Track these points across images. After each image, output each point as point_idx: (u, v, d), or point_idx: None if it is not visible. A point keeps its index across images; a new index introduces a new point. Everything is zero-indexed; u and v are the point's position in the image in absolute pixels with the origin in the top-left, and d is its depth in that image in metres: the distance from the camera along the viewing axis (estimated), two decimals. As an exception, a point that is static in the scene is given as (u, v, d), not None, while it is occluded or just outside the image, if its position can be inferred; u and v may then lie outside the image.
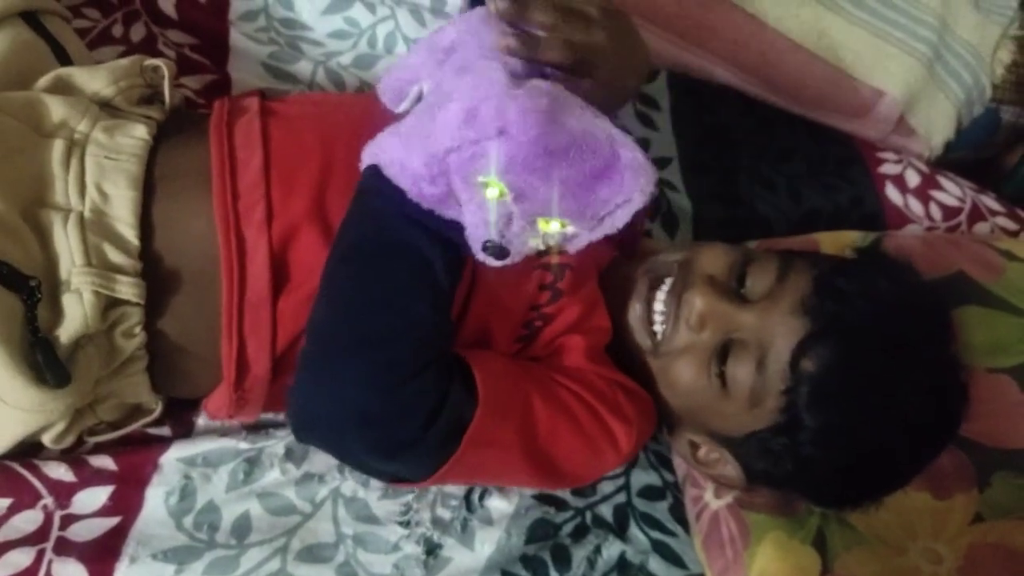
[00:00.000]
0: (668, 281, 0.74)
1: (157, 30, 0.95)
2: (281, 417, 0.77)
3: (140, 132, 0.71)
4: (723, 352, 0.70)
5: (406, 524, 0.74)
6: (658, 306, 0.73)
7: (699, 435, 0.76)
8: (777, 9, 1.10)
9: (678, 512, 0.83)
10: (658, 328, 0.74)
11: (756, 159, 1.10)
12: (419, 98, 0.69)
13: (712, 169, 1.08)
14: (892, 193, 1.11)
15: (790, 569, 0.75)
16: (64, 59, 0.80)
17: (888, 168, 1.13)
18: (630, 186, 0.60)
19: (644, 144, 1.07)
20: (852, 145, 1.15)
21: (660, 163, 1.06)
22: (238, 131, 0.73)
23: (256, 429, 0.76)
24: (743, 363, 0.68)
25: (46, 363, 0.61)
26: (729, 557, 0.77)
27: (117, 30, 0.94)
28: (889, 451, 0.70)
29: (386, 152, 0.63)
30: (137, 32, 0.94)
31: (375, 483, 0.75)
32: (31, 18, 0.78)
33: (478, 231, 0.61)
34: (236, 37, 0.98)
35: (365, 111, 0.75)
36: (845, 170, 1.11)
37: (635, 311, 0.75)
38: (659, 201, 1.02)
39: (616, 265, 0.80)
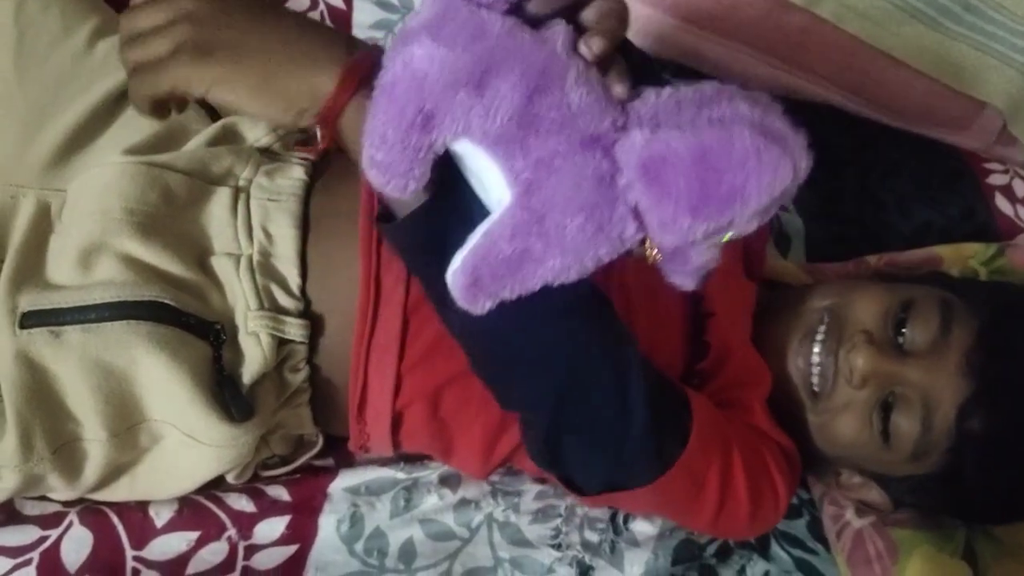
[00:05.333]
0: (821, 331, 0.73)
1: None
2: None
3: (298, 173, 0.74)
4: (885, 406, 0.70)
5: (558, 547, 0.76)
6: (814, 358, 0.73)
7: (846, 468, 0.78)
8: (877, 29, 1.12)
9: (816, 529, 0.84)
10: (815, 381, 0.73)
11: (863, 176, 1.11)
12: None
13: (819, 187, 1.09)
14: (1002, 203, 1.11)
15: (943, 582, 0.75)
16: (206, 107, 0.84)
17: (996, 179, 1.14)
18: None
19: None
20: (959, 157, 1.15)
21: (768, 184, 1.08)
22: None
23: (411, 460, 0.79)
24: (908, 420, 0.68)
25: (232, 399, 0.65)
26: (877, 573, 0.77)
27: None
28: None
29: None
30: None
31: (524, 508, 0.78)
32: None
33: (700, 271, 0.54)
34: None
35: None
36: (954, 183, 1.12)
37: (796, 367, 0.74)
38: (771, 221, 1.04)
39: (766, 308, 0.80)
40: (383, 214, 0.57)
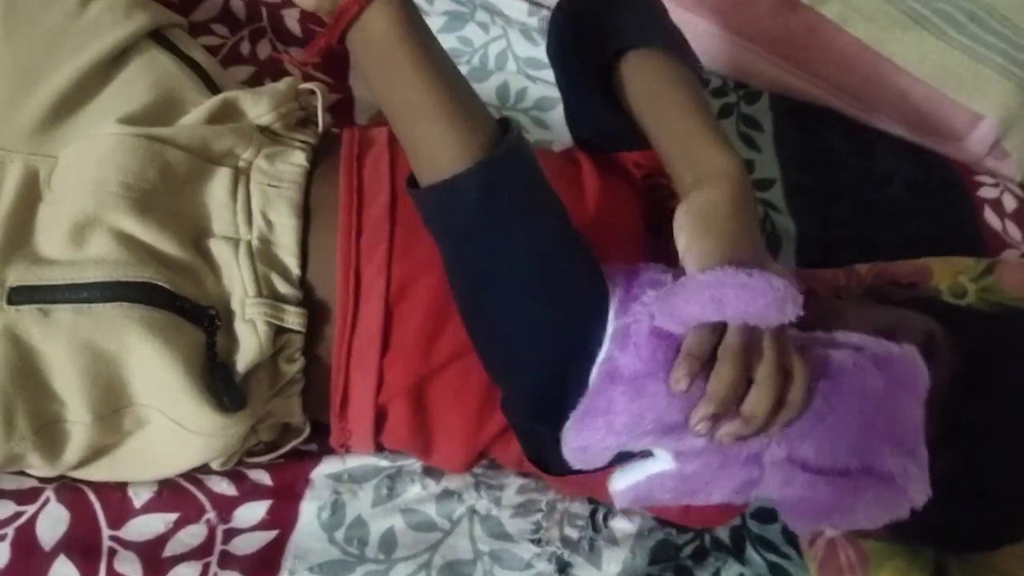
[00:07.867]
0: None
1: (282, 48, 0.98)
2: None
3: (299, 159, 0.73)
4: None
5: (537, 542, 0.77)
6: None
7: None
8: (881, 33, 1.11)
9: (790, 534, 0.84)
10: None
11: (858, 181, 1.11)
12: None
13: (814, 191, 1.09)
14: (991, 218, 1.12)
15: (912, 598, 0.77)
16: (203, 78, 0.81)
17: (986, 192, 1.14)
18: None
19: (747, 166, 1.08)
20: (952, 168, 1.15)
21: (763, 184, 1.08)
22: (367, 164, 0.74)
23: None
24: None
25: (224, 388, 0.64)
26: (849, 583, 0.79)
27: (244, 48, 0.96)
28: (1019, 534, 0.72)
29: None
30: (263, 50, 0.96)
31: (506, 502, 0.78)
32: (158, 36, 0.77)
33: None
34: (356, 55, 1.00)
35: None
36: (946, 194, 1.12)
37: None
38: (763, 223, 1.04)
39: None
40: (411, 179, 0.61)
